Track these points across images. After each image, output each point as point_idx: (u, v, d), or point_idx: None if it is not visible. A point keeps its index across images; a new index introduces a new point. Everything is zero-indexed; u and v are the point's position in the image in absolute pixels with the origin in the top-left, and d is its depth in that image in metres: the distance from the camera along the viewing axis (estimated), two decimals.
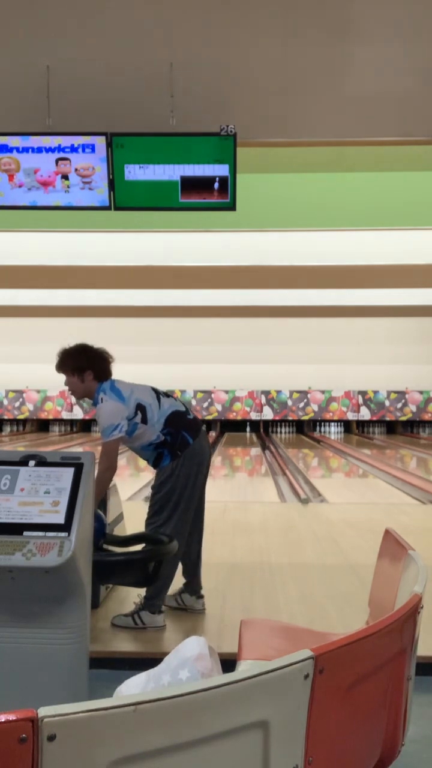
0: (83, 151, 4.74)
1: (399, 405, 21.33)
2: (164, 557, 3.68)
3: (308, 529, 7.13)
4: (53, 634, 2.74)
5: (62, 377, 4.14)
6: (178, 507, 4.06)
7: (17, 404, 21.59)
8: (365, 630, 1.77)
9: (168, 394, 4.19)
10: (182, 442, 4.07)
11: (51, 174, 4.79)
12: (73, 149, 4.74)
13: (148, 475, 12.55)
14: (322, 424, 21.85)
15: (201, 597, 4.36)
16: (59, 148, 4.74)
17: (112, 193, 4.82)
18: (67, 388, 4.14)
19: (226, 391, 21.09)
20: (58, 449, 12.98)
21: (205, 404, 21.01)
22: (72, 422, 21.89)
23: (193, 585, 4.35)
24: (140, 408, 4.01)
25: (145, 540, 3.98)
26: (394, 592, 2.32)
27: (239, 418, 21.09)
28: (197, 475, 4.12)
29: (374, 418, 21.47)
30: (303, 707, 1.52)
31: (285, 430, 21.77)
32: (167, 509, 4.05)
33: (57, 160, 4.76)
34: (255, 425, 21.63)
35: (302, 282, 13.48)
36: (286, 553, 6.10)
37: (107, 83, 4.79)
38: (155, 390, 4.13)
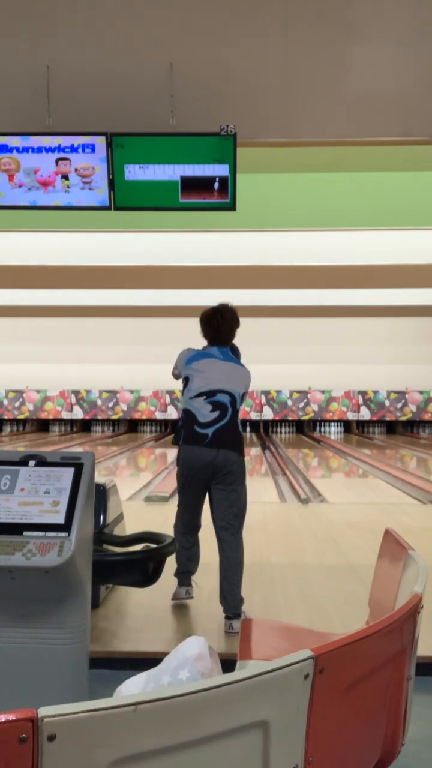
0: (83, 151, 4.74)
1: (399, 405, 21.32)
2: (164, 557, 3.68)
3: (308, 529, 7.13)
4: (53, 634, 2.74)
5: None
6: (180, 489, 4.37)
7: (17, 404, 21.59)
8: (365, 630, 1.77)
9: (213, 403, 4.21)
10: (177, 435, 4.32)
11: (51, 174, 4.79)
12: (73, 149, 4.74)
13: (149, 475, 12.55)
14: (322, 424, 21.85)
15: (228, 618, 4.12)
16: (59, 148, 4.74)
17: (112, 193, 4.82)
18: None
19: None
20: (58, 449, 12.98)
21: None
22: (72, 422, 21.88)
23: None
24: (186, 380, 4.35)
25: (145, 540, 3.98)
26: (394, 592, 2.32)
27: (239, 417, 21.06)
28: (187, 475, 4.27)
29: (374, 418, 21.47)
30: (303, 707, 1.52)
31: (285, 430, 21.76)
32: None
33: (57, 160, 4.77)
34: (255, 425, 21.61)
35: (302, 282, 13.49)
36: (286, 553, 6.11)
37: (107, 83, 4.79)
38: (210, 390, 4.22)
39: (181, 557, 4.42)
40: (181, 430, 4.27)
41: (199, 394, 4.22)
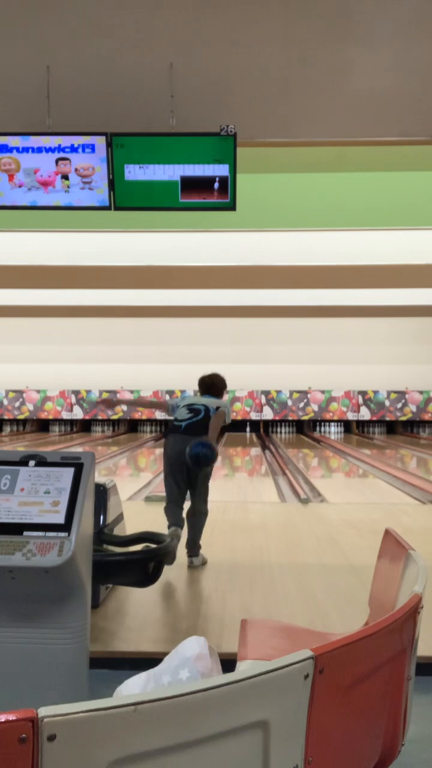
0: (83, 151, 4.74)
1: (399, 405, 21.33)
2: (164, 557, 3.68)
3: (308, 529, 7.13)
4: (53, 634, 2.74)
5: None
6: (164, 473, 5.65)
7: (17, 404, 21.59)
8: (365, 630, 1.77)
9: (190, 409, 5.64)
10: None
11: (51, 174, 4.79)
12: (73, 149, 4.74)
13: (149, 475, 12.56)
14: (322, 424, 21.85)
15: (189, 557, 5.49)
16: (59, 148, 4.75)
17: (112, 193, 4.82)
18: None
19: (227, 391, 21.06)
20: (58, 449, 12.98)
21: None
22: (72, 422, 21.89)
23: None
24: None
25: (145, 540, 3.98)
26: (394, 592, 2.32)
27: (239, 418, 21.08)
28: (166, 462, 5.58)
29: (374, 418, 21.47)
30: (303, 707, 1.52)
31: (285, 430, 21.77)
32: None
33: (57, 160, 4.77)
34: (255, 425, 21.62)
35: (302, 282, 13.48)
36: (286, 553, 6.11)
37: (107, 83, 4.79)
38: (190, 404, 5.71)
39: (169, 513, 5.52)
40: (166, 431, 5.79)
41: (183, 407, 5.69)
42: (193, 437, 5.40)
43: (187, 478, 5.50)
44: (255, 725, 1.44)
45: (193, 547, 5.53)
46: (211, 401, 5.72)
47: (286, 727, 1.49)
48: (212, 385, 5.92)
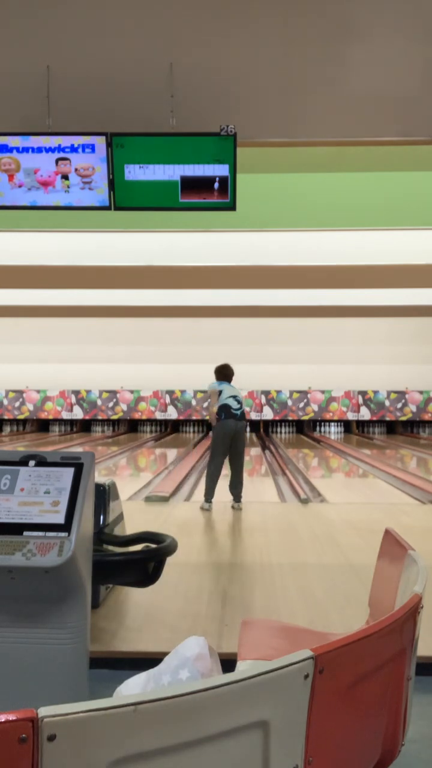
0: (83, 151, 4.74)
1: (399, 405, 21.32)
2: (164, 557, 3.68)
3: (308, 529, 7.13)
4: (53, 634, 2.74)
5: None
6: (215, 447, 8.37)
7: (17, 404, 21.59)
8: (365, 630, 1.77)
9: (237, 400, 8.35)
10: (219, 417, 8.26)
11: (51, 174, 4.79)
12: (73, 149, 4.74)
13: (149, 475, 12.57)
14: (322, 424, 21.85)
15: (235, 500, 8.22)
16: (59, 148, 4.75)
17: (112, 193, 4.82)
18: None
19: None
20: (58, 449, 12.98)
21: (205, 404, 21.01)
22: (72, 422, 21.89)
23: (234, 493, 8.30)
24: (220, 392, 8.37)
25: (145, 540, 3.98)
26: (394, 592, 2.32)
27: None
28: (224, 436, 8.22)
29: (374, 418, 21.47)
30: (303, 707, 1.52)
31: (285, 430, 21.77)
32: (211, 448, 8.51)
33: (57, 160, 4.77)
34: (255, 425, 21.61)
35: (302, 282, 13.48)
36: (286, 553, 6.11)
37: (107, 83, 4.79)
38: (234, 395, 8.36)
39: (213, 485, 8.16)
40: (222, 414, 8.23)
41: (229, 397, 8.30)
42: (241, 420, 8.30)
43: (230, 449, 8.22)
44: (255, 725, 1.44)
45: (238, 492, 8.26)
46: (239, 393, 8.51)
47: (286, 727, 1.49)
48: (228, 373, 8.65)
